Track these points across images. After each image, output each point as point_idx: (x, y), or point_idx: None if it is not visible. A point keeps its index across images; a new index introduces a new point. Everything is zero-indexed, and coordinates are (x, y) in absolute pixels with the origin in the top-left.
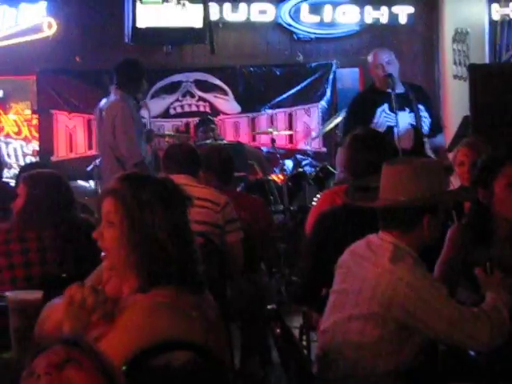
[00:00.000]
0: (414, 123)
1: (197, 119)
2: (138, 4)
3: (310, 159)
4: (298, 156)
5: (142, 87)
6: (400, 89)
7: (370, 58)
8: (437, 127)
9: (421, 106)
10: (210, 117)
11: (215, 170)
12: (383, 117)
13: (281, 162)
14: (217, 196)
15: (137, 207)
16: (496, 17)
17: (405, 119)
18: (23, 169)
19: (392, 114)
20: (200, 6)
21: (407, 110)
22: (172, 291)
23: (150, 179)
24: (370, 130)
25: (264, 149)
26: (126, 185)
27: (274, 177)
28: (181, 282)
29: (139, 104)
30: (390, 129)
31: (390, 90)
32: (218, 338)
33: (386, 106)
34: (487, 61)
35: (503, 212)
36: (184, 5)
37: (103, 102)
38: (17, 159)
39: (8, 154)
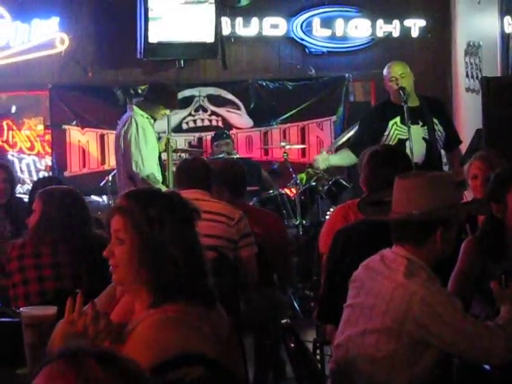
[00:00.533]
0: (428, 137)
1: (210, 133)
2: (150, 19)
3: (322, 173)
4: (311, 170)
5: (159, 111)
6: (414, 102)
7: (384, 72)
8: (454, 141)
9: (436, 120)
10: (225, 131)
11: (228, 184)
12: (394, 129)
13: (293, 175)
14: (231, 210)
15: (146, 223)
16: (508, 30)
17: (418, 133)
18: (37, 183)
19: (404, 127)
20: (212, 21)
21: (420, 123)
22: (182, 305)
23: (157, 194)
24: (389, 147)
25: (276, 163)
26: (133, 201)
27: (286, 191)
28: (191, 295)
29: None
30: (402, 142)
31: (402, 104)
32: (231, 352)
33: (398, 119)
34: (500, 73)
35: None
36: (196, 20)
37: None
38: (30, 175)
39: (21, 170)
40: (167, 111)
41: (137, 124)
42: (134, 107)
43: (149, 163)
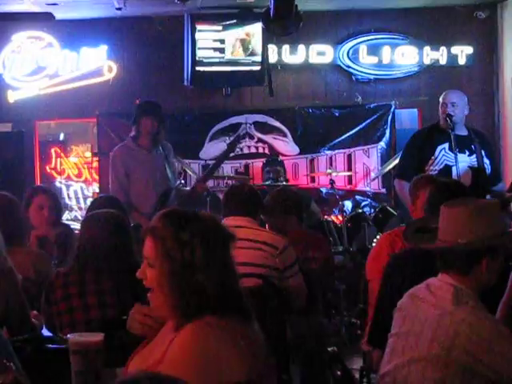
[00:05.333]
0: (476, 165)
1: (257, 160)
2: (197, 48)
3: (369, 200)
4: (358, 197)
5: (139, 129)
6: (462, 131)
7: (441, 97)
8: (496, 176)
9: (483, 152)
10: (278, 158)
11: (295, 212)
12: (442, 155)
13: (340, 203)
14: (275, 239)
15: (176, 248)
16: None
17: (464, 161)
18: (93, 203)
19: (451, 153)
20: (259, 49)
21: (467, 152)
22: (214, 319)
23: (191, 217)
24: (453, 181)
25: (323, 190)
26: (165, 224)
27: (333, 218)
28: (223, 311)
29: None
30: (449, 168)
31: (449, 130)
32: (268, 373)
33: (446, 145)
34: None
35: None
36: (244, 48)
37: None
38: (77, 201)
39: (69, 197)
40: (149, 138)
41: (113, 154)
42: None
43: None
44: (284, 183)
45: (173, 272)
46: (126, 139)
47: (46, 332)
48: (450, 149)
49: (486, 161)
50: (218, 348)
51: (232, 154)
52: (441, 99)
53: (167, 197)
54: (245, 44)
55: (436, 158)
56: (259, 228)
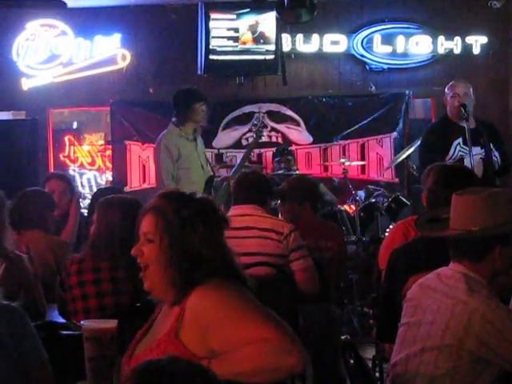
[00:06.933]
0: (485, 157)
1: (270, 149)
2: (211, 37)
3: (382, 190)
4: (370, 186)
5: (190, 116)
6: (472, 123)
7: (447, 88)
8: (505, 166)
9: (491, 144)
10: (287, 147)
11: (310, 200)
12: (458, 150)
13: (353, 192)
14: (280, 225)
15: (177, 224)
16: None
17: (477, 153)
18: (97, 194)
19: (466, 147)
20: (273, 38)
21: (478, 145)
22: (221, 281)
23: (191, 197)
24: (453, 166)
25: (336, 179)
26: (166, 202)
27: (346, 207)
28: (226, 277)
29: (193, 134)
30: (462, 161)
31: (463, 124)
32: None
33: (460, 140)
34: None
35: None
36: (258, 36)
37: None
38: (90, 189)
39: (82, 185)
40: (196, 125)
41: (164, 143)
42: (170, 125)
43: (171, 178)
44: (296, 173)
45: (172, 247)
46: (140, 128)
47: (59, 318)
48: (465, 143)
49: (495, 153)
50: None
51: (245, 143)
52: (449, 90)
53: (210, 184)
54: (258, 33)
55: (453, 155)
56: (264, 214)
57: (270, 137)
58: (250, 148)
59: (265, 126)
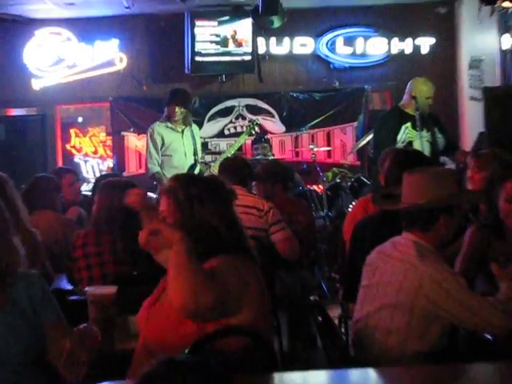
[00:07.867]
0: (431, 140)
1: (249, 138)
2: (196, 41)
3: (346, 172)
4: (335, 169)
5: (175, 110)
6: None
7: (419, 85)
8: (452, 145)
9: (435, 128)
10: (264, 136)
11: (281, 181)
12: (406, 133)
13: (321, 174)
14: (260, 203)
15: (187, 201)
16: (506, 46)
17: (423, 136)
18: (100, 179)
19: (414, 131)
20: (249, 41)
21: (425, 129)
22: (230, 258)
23: (199, 177)
24: (406, 150)
25: (306, 163)
26: (177, 182)
27: (315, 187)
28: (235, 252)
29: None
30: (410, 143)
31: (414, 112)
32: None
33: (409, 124)
34: (499, 84)
35: (508, 224)
36: (236, 40)
37: None
38: (94, 175)
39: (86, 171)
40: (182, 109)
41: (150, 132)
42: (161, 117)
43: (155, 163)
44: (271, 158)
45: (184, 222)
46: (136, 121)
47: (66, 285)
48: (414, 127)
49: (439, 135)
50: (245, 273)
51: (227, 133)
52: (423, 88)
53: (193, 169)
54: (236, 37)
55: (401, 138)
56: (247, 194)
57: (248, 127)
58: (240, 141)
59: (257, 125)
